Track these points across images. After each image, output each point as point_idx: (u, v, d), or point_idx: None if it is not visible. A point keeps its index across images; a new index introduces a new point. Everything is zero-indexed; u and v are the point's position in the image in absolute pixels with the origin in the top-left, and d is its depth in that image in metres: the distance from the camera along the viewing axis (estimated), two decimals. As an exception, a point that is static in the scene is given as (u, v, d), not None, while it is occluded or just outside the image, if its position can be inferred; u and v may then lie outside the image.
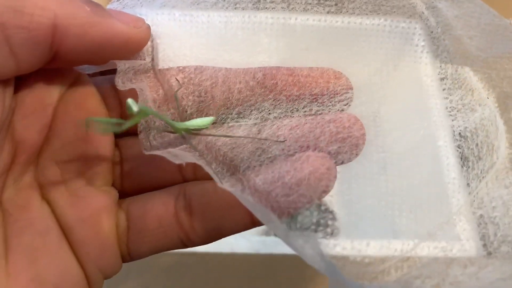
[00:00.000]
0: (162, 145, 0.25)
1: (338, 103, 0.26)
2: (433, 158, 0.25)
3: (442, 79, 0.26)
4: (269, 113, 0.26)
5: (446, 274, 0.21)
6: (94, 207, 0.24)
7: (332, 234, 0.22)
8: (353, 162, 0.24)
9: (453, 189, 0.24)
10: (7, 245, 0.22)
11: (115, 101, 0.25)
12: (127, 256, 0.25)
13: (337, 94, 0.26)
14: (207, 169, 0.22)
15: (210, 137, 0.25)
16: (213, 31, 0.28)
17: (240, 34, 0.28)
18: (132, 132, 0.25)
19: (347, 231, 0.22)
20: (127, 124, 0.22)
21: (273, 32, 0.28)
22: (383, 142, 0.26)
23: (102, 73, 0.27)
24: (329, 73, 0.26)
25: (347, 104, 0.26)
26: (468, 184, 0.24)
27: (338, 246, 0.22)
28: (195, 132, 0.25)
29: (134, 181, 0.26)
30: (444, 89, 0.26)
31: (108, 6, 0.26)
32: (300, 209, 0.22)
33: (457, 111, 0.25)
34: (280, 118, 0.26)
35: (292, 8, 0.27)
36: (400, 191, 0.25)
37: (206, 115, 0.26)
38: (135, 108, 0.21)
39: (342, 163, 0.24)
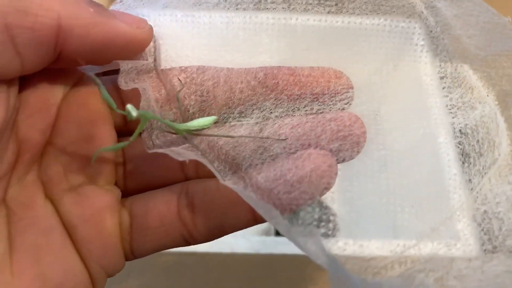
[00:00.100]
0: (165, 144, 0.25)
1: (339, 102, 0.26)
2: (433, 155, 0.25)
3: (441, 77, 0.26)
4: (271, 112, 0.26)
5: (450, 268, 0.21)
6: (97, 205, 0.24)
7: (334, 229, 0.22)
8: (355, 160, 0.25)
9: (455, 185, 0.24)
10: (11, 243, 0.22)
11: (118, 101, 0.26)
12: (130, 255, 0.25)
13: (338, 93, 0.26)
14: (210, 167, 0.22)
15: (212, 136, 0.25)
16: (215, 32, 0.28)
17: (241, 34, 0.28)
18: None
19: (349, 228, 0.22)
20: (134, 135, 0.23)
21: (274, 32, 0.28)
22: (384, 140, 0.26)
23: (105, 73, 0.27)
24: (329, 73, 0.26)
25: (347, 103, 0.26)
26: (470, 180, 0.24)
27: (340, 241, 0.22)
28: (197, 132, 0.25)
29: (137, 180, 0.26)
30: (444, 88, 0.26)
31: (111, 7, 0.26)
32: (302, 206, 0.23)
33: (457, 108, 0.26)
34: (281, 117, 0.26)
35: (293, 9, 0.27)
36: (401, 188, 0.25)
37: (208, 115, 0.26)
38: (134, 113, 0.22)
39: (344, 160, 0.24)
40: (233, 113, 0.26)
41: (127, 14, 0.24)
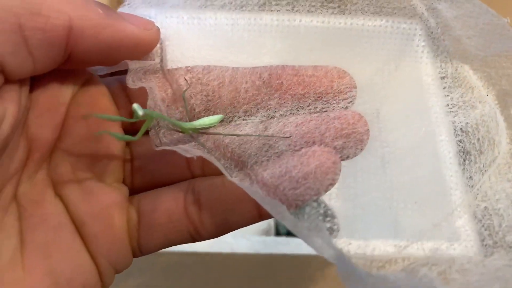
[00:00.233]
0: (172, 142, 0.26)
1: (342, 101, 0.27)
2: (434, 153, 0.25)
3: (442, 77, 0.27)
4: (275, 111, 0.27)
5: (452, 262, 0.21)
6: (106, 202, 0.24)
7: (338, 225, 0.23)
8: (358, 157, 0.25)
9: (456, 182, 0.24)
10: (22, 239, 0.22)
11: (125, 100, 0.26)
12: (138, 251, 0.25)
13: (341, 92, 0.27)
14: (217, 164, 0.23)
15: (217, 135, 0.26)
16: (220, 33, 0.28)
17: (246, 36, 0.28)
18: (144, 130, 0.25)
19: (353, 223, 0.23)
20: (140, 133, 0.23)
21: (278, 33, 0.28)
22: (387, 138, 0.26)
23: (111, 74, 0.27)
24: (333, 73, 0.27)
25: (351, 102, 0.26)
26: (470, 177, 0.24)
27: (344, 237, 0.22)
28: (203, 131, 0.26)
29: (144, 177, 0.26)
30: (444, 87, 0.27)
31: (119, 9, 0.27)
32: (308, 201, 0.23)
33: (458, 107, 0.26)
34: (286, 116, 0.27)
35: (297, 10, 0.28)
36: (403, 184, 0.25)
37: (214, 114, 0.26)
38: (140, 112, 0.22)
39: (347, 157, 0.25)
40: (238, 112, 0.27)
41: (135, 16, 0.25)
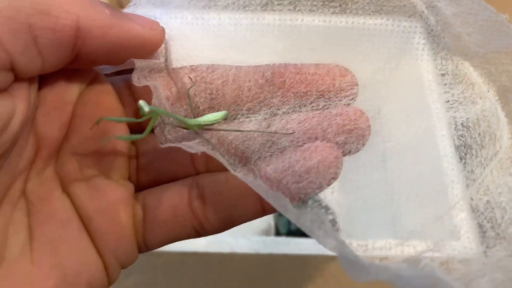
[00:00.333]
0: (177, 139, 0.26)
1: (344, 98, 0.27)
2: (435, 148, 0.26)
3: (443, 74, 0.27)
4: (278, 109, 0.27)
5: (454, 253, 0.22)
6: (112, 199, 0.25)
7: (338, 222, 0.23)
8: (360, 152, 0.25)
9: (457, 176, 0.25)
10: (31, 234, 0.23)
11: (130, 99, 0.27)
12: (143, 247, 0.26)
13: (343, 90, 0.27)
14: (221, 159, 0.23)
15: (222, 132, 0.26)
16: (224, 34, 0.29)
17: (248, 35, 0.29)
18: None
19: (356, 215, 0.23)
20: (147, 130, 0.24)
21: (280, 33, 0.29)
22: (388, 133, 0.27)
23: (117, 73, 0.28)
24: (335, 71, 0.27)
25: (352, 99, 0.27)
26: (472, 170, 0.25)
27: (346, 228, 0.22)
28: (207, 127, 0.26)
29: (149, 174, 0.27)
30: (445, 84, 0.27)
31: (125, 10, 0.28)
32: (310, 195, 0.23)
33: (459, 103, 0.26)
34: (288, 113, 0.27)
35: (298, 10, 0.28)
36: (405, 178, 0.26)
37: (218, 111, 0.27)
38: (146, 108, 0.23)
39: (350, 152, 0.25)
40: (242, 110, 0.27)
41: (141, 17, 0.25)
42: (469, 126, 0.26)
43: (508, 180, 0.25)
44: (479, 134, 0.25)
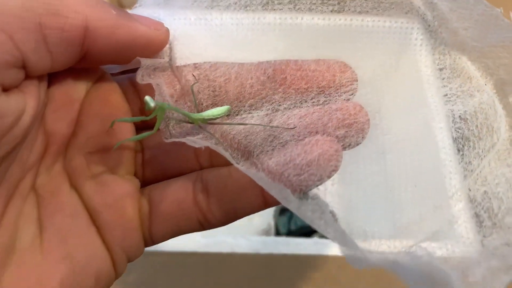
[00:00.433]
0: (181, 134, 0.27)
1: (344, 93, 0.28)
2: (434, 140, 0.26)
3: (441, 69, 0.28)
4: (280, 105, 0.28)
5: (452, 241, 0.22)
6: (119, 193, 0.26)
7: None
8: (360, 145, 0.26)
9: (455, 166, 0.25)
10: (41, 226, 0.24)
11: (135, 96, 0.27)
12: (149, 240, 0.26)
13: (343, 86, 0.28)
14: (224, 153, 0.24)
15: (225, 127, 0.27)
16: (226, 33, 0.30)
17: (250, 35, 0.30)
18: (152, 125, 0.27)
19: (355, 206, 0.24)
20: (157, 126, 0.25)
21: (281, 32, 0.30)
22: (388, 126, 0.27)
23: (122, 73, 0.29)
24: (335, 67, 0.28)
25: (352, 94, 0.27)
26: (470, 162, 0.25)
27: (346, 218, 0.23)
28: (211, 122, 0.27)
29: (154, 170, 0.27)
30: (444, 78, 0.28)
31: (131, 11, 0.28)
32: (311, 187, 0.24)
33: (457, 97, 0.27)
34: (290, 109, 0.28)
35: (298, 9, 0.29)
36: (404, 169, 0.26)
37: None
38: (152, 104, 0.23)
39: (350, 146, 0.26)
40: (244, 106, 0.28)
41: (146, 18, 0.26)
42: (467, 119, 0.26)
43: (505, 171, 0.25)
44: (477, 126, 0.26)
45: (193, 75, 0.27)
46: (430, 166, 0.26)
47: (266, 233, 0.63)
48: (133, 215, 0.26)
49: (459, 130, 0.26)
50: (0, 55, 0.20)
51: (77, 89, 0.26)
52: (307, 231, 0.69)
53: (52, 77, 0.25)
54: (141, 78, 0.25)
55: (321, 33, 0.29)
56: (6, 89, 0.21)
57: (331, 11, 0.29)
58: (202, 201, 0.26)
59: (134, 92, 0.28)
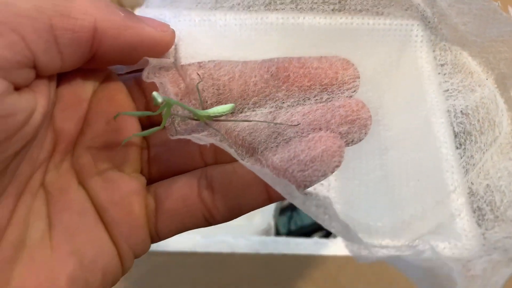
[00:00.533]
0: (186, 131, 0.28)
1: (346, 91, 0.28)
2: (435, 135, 0.26)
3: (442, 65, 0.28)
4: (283, 102, 0.28)
5: (454, 235, 0.22)
6: (125, 190, 0.26)
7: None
8: (363, 141, 0.26)
9: (457, 161, 0.25)
10: (50, 222, 0.24)
11: (140, 95, 0.28)
12: (156, 236, 0.27)
13: (345, 83, 0.28)
14: (229, 150, 0.24)
15: (230, 124, 0.27)
16: (230, 34, 0.30)
17: (253, 35, 0.30)
18: (157, 123, 0.27)
19: (358, 201, 0.24)
20: (164, 122, 0.25)
21: (283, 31, 0.30)
22: (390, 122, 0.28)
23: (127, 73, 0.29)
24: (337, 64, 0.28)
25: (354, 91, 0.28)
26: (472, 156, 0.25)
27: (349, 213, 0.23)
28: (216, 118, 0.27)
29: (160, 167, 0.28)
30: (445, 74, 0.28)
31: (137, 12, 0.29)
32: (315, 182, 0.24)
33: (458, 92, 0.27)
34: (293, 106, 0.28)
35: (300, 8, 0.29)
36: (406, 164, 0.26)
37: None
38: (159, 99, 0.24)
39: (353, 142, 0.26)
40: (248, 104, 0.28)
41: (152, 19, 0.27)
42: (468, 113, 0.26)
43: (507, 164, 0.26)
44: (478, 120, 0.26)
45: (198, 74, 0.28)
46: (432, 161, 0.26)
47: (266, 233, 0.63)
48: (140, 212, 0.26)
49: (461, 125, 0.26)
50: (13, 55, 0.21)
51: (85, 88, 0.26)
52: (307, 231, 0.69)
53: (61, 77, 0.25)
54: (146, 76, 0.26)
55: (323, 32, 0.30)
56: (17, 88, 0.22)
57: (332, 10, 0.29)
58: (207, 197, 0.26)
59: (139, 91, 0.28)
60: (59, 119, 0.25)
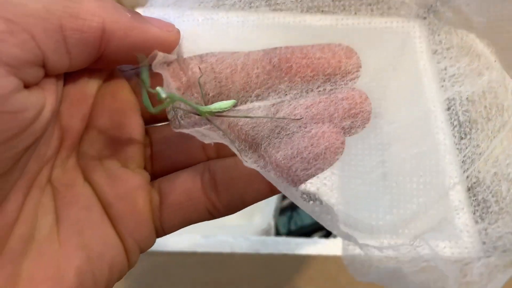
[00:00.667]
0: (189, 124, 0.28)
1: (350, 81, 0.28)
2: (438, 127, 0.26)
3: (448, 48, 0.27)
4: (286, 94, 0.28)
5: (456, 231, 0.22)
6: (130, 185, 0.27)
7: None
8: (365, 135, 0.26)
9: (460, 154, 0.24)
10: (58, 216, 0.25)
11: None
12: (161, 230, 0.27)
13: (349, 73, 0.28)
14: (231, 146, 0.25)
15: (232, 118, 0.28)
16: (232, 31, 0.30)
17: (255, 31, 0.30)
18: (160, 119, 0.28)
19: (362, 199, 0.24)
20: (159, 107, 0.25)
21: (284, 28, 0.30)
22: (393, 115, 0.27)
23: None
24: (340, 53, 0.28)
25: (355, 82, 0.27)
26: (478, 145, 0.24)
27: (353, 212, 0.23)
28: (218, 114, 0.28)
29: (163, 163, 0.28)
30: (451, 58, 0.27)
31: (143, 11, 0.30)
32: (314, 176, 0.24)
33: (465, 76, 0.26)
34: (296, 98, 0.28)
35: (300, 6, 0.29)
36: (409, 159, 0.26)
37: (227, 98, 0.28)
38: (163, 94, 0.24)
39: (353, 134, 0.26)
40: (251, 96, 0.28)
41: (158, 19, 0.27)
42: (475, 100, 0.25)
43: (518, 150, 0.24)
44: (485, 107, 0.25)
45: (199, 68, 0.28)
46: (434, 155, 0.25)
47: (266, 233, 0.63)
48: (145, 207, 0.27)
49: (466, 113, 0.25)
50: (23, 54, 0.21)
51: (90, 86, 0.27)
52: (307, 231, 0.69)
53: (67, 75, 0.26)
54: (154, 66, 0.26)
55: (324, 30, 0.30)
56: (27, 86, 0.22)
57: (333, 9, 0.29)
58: (210, 191, 0.26)
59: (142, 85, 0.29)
60: (65, 116, 0.26)
